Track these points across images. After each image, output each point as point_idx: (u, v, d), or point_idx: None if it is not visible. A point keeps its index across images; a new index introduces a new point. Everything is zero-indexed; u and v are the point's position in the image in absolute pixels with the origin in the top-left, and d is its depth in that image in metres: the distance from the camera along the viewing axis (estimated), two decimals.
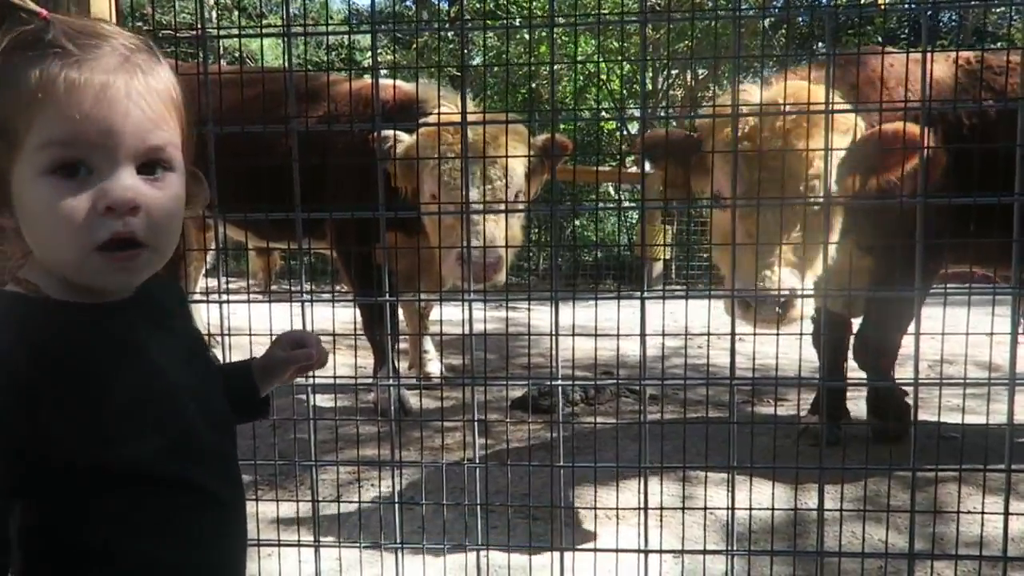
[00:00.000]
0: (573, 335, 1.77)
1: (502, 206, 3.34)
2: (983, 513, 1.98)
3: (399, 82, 4.14)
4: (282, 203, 1.95)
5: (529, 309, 2.48)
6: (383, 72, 9.37)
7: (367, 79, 4.02)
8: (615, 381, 3.96)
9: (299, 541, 1.85)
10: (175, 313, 1.09)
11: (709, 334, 2.48)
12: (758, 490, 2.01)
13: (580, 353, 4.06)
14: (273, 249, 4.93)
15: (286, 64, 1.87)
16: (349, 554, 2.16)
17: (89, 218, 0.88)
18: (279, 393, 1.34)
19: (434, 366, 4.70)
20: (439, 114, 3.00)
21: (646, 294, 1.60)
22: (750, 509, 1.67)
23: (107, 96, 0.88)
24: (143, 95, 0.90)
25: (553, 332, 1.65)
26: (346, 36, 2.61)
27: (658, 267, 9.03)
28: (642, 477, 1.68)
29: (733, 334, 1.61)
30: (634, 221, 9.50)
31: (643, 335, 1.64)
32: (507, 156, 3.19)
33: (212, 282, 4.92)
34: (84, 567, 0.92)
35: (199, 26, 1.89)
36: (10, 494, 0.88)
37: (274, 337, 1.25)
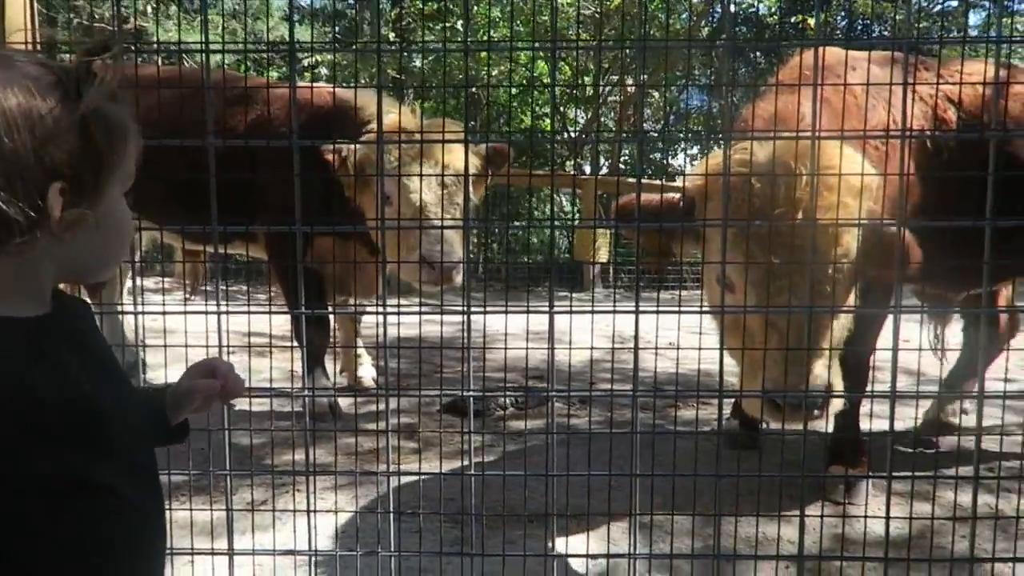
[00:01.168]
0: (484, 347, 1.83)
1: (453, 212, 3.41)
2: (866, 517, 2.12)
3: (337, 89, 4.16)
4: (218, 204, 1.95)
5: (467, 313, 2.52)
6: (324, 75, 9.32)
7: (300, 83, 4.02)
8: (524, 390, 4.03)
9: (212, 549, 1.87)
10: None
11: (638, 346, 2.49)
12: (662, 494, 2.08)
13: (515, 358, 4.12)
14: (201, 253, 4.89)
15: (204, 77, 1.88)
16: (264, 561, 2.18)
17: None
18: None
19: (365, 370, 4.72)
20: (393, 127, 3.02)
21: (553, 309, 1.67)
22: (651, 513, 1.75)
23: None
24: None
25: (465, 345, 1.70)
26: (286, 33, 2.61)
27: (595, 270, 9.20)
28: (548, 483, 1.75)
29: (636, 348, 1.68)
30: (571, 226, 9.62)
31: (551, 348, 1.71)
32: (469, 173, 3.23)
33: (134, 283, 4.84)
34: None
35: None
36: None
37: (188, 353, 1.30)
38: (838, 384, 2.19)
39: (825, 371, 2.12)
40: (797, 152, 2.08)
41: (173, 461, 1.79)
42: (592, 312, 1.85)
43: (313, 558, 1.83)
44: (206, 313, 1.80)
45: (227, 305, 1.81)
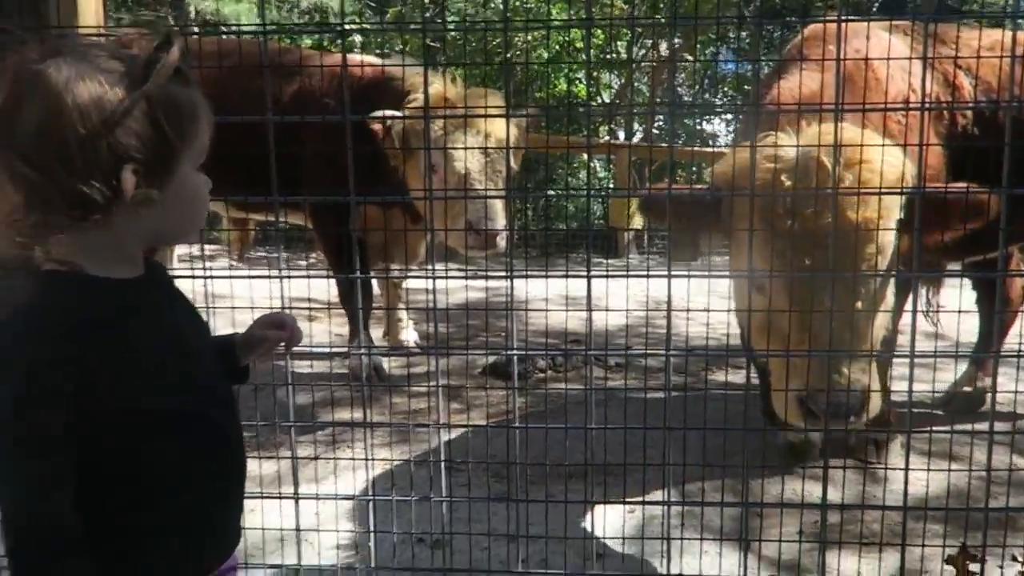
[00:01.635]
0: (526, 309, 1.95)
1: (496, 180, 3.52)
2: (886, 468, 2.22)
3: (370, 58, 4.27)
4: (260, 178, 2.08)
5: (511, 278, 2.65)
6: (357, 47, 9.41)
7: (337, 54, 4.12)
8: (563, 351, 4.16)
9: (280, 494, 2.04)
10: (173, 286, 1.33)
11: (669, 308, 2.54)
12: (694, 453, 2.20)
13: (554, 322, 4.26)
14: (249, 220, 5.07)
15: (263, 57, 2.00)
16: (326, 507, 2.35)
17: (207, 197, 1.27)
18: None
19: (407, 334, 4.88)
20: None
21: (591, 273, 1.79)
22: (684, 464, 1.88)
23: (208, 112, 1.24)
24: None
25: (508, 307, 1.83)
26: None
27: (629, 236, 9.24)
28: (587, 440, 1.88)
29: (669, 310, 1.79)
30: (606, 193, 9.65)
31: (589, 310, 1.82)
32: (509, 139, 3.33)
33: (184, 250, 5.06)
34: (133, 493, 1.17)
35: None
36: (70, 436, 1.09)
37: (253, 309, 1.47)
38: (875, 387, 2.12)
39: (863, 375, 2.05)
40: (823, 144, 2.02)
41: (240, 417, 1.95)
42: (627, 276, 1.96)
43: (371, 503, 1.99)
44: (268, 277, 1.95)
45: (288, 270, 1.95)
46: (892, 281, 2.25)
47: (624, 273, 2.03)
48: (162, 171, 1.16)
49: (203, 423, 1.24)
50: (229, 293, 2.43)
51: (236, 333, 1.45)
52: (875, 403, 2.09)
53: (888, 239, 2.14)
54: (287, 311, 1.61)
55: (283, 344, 1.45)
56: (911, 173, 2.16)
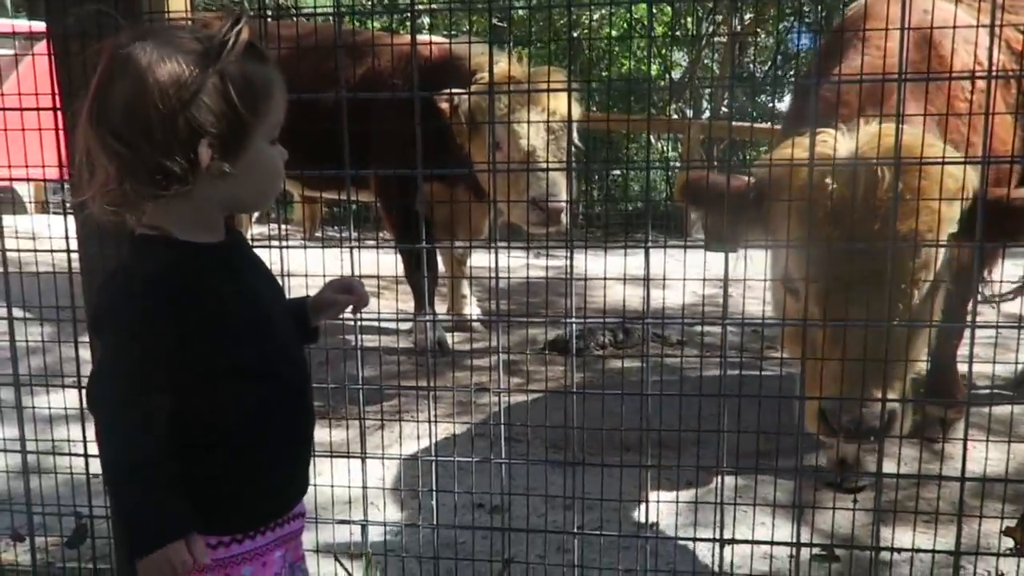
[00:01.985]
0: (585, 279, 2.00)
1: (559, 157, 3.57)
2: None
3: (437, 39, 4.34)
4: (330, 156, 2.17)
5: (570, 256, 2.70)
6: (425, 28, 9.52)
7: (406, 35, 4.21)
8: (620, 320, 4.18)
9: (348, 453, 2.15)
10: (251, 250, 1.44)
11: (728, 280, 2.47)
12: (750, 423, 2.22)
13: (614, 300, 4.29)
14: (315, 199, 5.23)
15: (336, 38, 2.08)
16: (391, 472, 2.47)
17: (282, 169, 1.35)
18: (329, 332, 1.62)
19: (471, 309, 4.98)
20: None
21: (648, 244, 1.83)
22: (738, 432, 1.91)
23: (284, 89, 1.32)
24: None
25: (568, 278, 1.89)
26: None
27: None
28: (643, 408, 1.93)
29: (726, 280, 1.82)
30: (674, 171, 9.56)
31: (647, 280, 1.87)
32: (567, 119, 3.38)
33: (260, 229, 5.26)
34: (214, 439, 1.30)
35: None
36: (165, 383, 1.24)
37: (326, 279, 1.57)
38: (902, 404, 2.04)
39: (890, 392, 1.97)
40: (885, 145, 1.92)
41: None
42: (684, 247, 1.99)
43: (434, 464, 2.08)
44: (340, 247, 2.05)
45: (359, 243, 2.05)
46: (939, 295, 2.14)
47: (681, 244, 2.07)
48: (236, 145, 1.25)
49: (277, 379, 1.35)
50: (302, 268, 2.55)
51: (308, 296, 1.55)
52: (902, 421, 2.03)
53: (935, 253, 2.06)
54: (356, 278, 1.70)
55: (351, 307, 1.55)
56: (973, 181, 2.05)
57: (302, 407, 1.42)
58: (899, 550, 1.95)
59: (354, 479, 2.20)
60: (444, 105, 3.69)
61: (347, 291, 1.54)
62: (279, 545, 1.39)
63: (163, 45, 1.22)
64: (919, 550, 1.96)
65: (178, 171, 1.22)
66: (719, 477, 1.94)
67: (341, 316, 1.59)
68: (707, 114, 12.28)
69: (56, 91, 2.15)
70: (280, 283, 1.48)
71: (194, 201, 1.27)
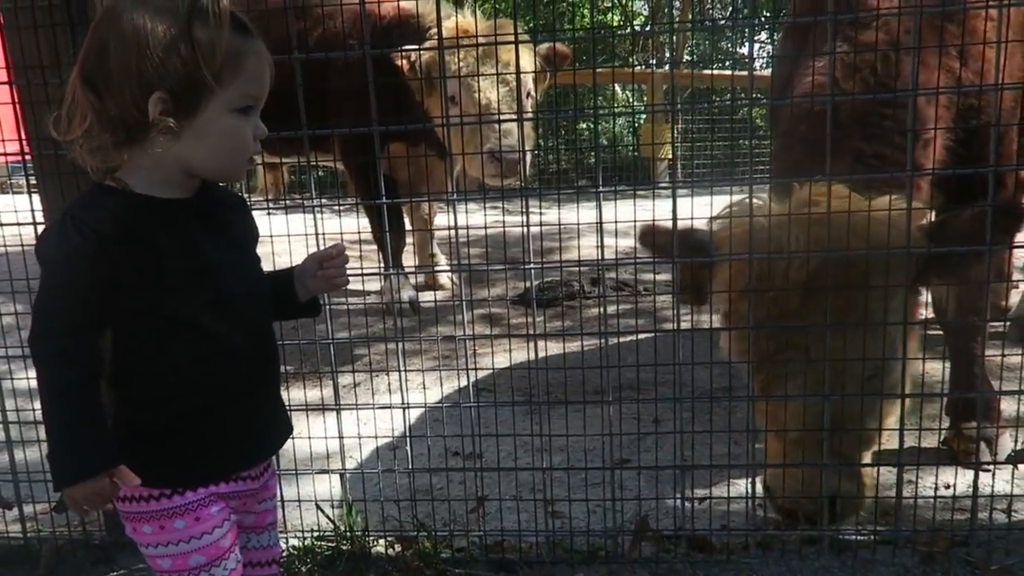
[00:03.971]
0: (540, 226, 2.07)
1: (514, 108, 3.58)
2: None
3: None
4: (289, 120, 2.20)
5: (525, 210, 2.75)
6: None
7: None
8: (576, 263, 4.26)
9: (323, 405, 2.24)
10: (230, 213, 1.45)
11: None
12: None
13: (585, 251, 4.36)
14: (281, 163, 5.23)
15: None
16: (367, 427, 2.55)
17: (249, 141, 1.35)
18: None
19: (441, 268, 5.05)
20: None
21: (600, 190, 1.90)
22: (692, 364, 2.01)
23: (266, 66, 1.35)
24: None
25: (525, 225, 1.96)
26: None
27: (662, 166, 9.22)
28: (602, 349, 2.01)
29: (675, 219, 1.90)
30: (639, 122, 9.60)
31: (599, 224, 1.95)
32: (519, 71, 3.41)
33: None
34: (146, 390, 1.36)
35: None
36: (99, 316, 1.30)
37: (290, 241, 1.61)
38: (856, 489, 1.99)
39: (844, 481, 1.93)
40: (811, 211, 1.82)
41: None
42: (634, 191, 2.07)
43: (406, 411, 2.17)
44: (303, 209, 2.10)
45: (321, 207, 2.10)
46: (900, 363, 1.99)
47: (631, 188, 2.14)
48: (188, 106, 1.27)
49: (210, 337, 1.35)
50: (267, 232, 2.60)
51: (294, 266, 1.56)
52: (853, 508, 2.01)
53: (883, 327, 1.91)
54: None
55: (332, 277, 1.53)
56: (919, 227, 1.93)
57: (237, 369, 1.40)
58: (846, 465, 2.07)
59: (331, 432, 2.28)
60: (401, 62, 3.71)
61: (328, 258, 1.53)
62: (217, 500, 1.39)
63: (140, 2, 1.26)
64: (864, 464, 2.08)
65: (130, 122, 1.26)
66: (677, 408, 2.05)
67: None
68: (668, 64, 12.27)
69: (7, 65, 2.16)
70: (246, 249, 1.47)
71: (152, 156, 1.30)
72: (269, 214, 2.30)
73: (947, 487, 2.47)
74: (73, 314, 1.28)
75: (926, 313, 2.30)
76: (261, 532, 1.56)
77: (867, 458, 2.08)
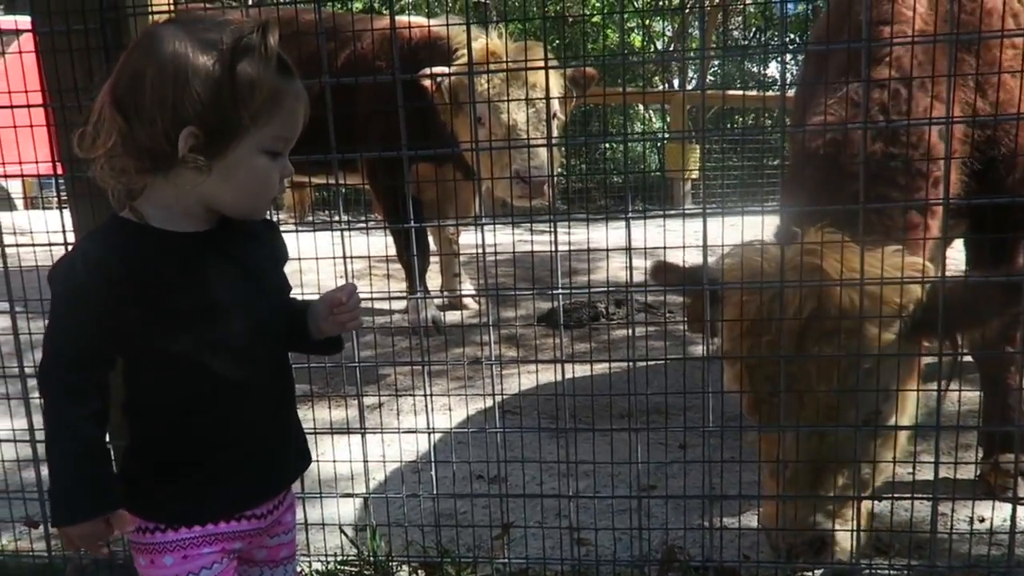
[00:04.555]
0: (570, 250, 2.06)
1: (542, 131, 3.59)
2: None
3: (417, 18, 4.38)
4: (315, 141, 2.20)
5: (555, 232, 2.73)
6: (409, 9, 9.49)
7: (387, 17, 4.23)
8: (605, 290, 4.24)
9: (348, 428, 2.23)
10: (250, 242, 1.39)
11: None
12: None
13: (609, 273, 4.33)
14: (305, 184, 5.27)
15: (318, 24, 2.11)
16: (392, 448, 2.54)
17: (276, 183, 1.33)
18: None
19: (462, 286, 5.05)
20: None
21: (629, 215, 1.89)
22: (723, 392, 1.98)
23: (302, 108, 1.33)
24: None
25: (553, 249, 1.95)
26: None
27: (686, 186, 9.18)
28: (630, 374, 1.99)
29: (705, 246, 1.87)
30: (662, 143, 9.59)
31: (629, 249, 1.93)
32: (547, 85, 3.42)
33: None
34: (144, 411, 1.35)
35: None
36: (105, 352, 1.29)
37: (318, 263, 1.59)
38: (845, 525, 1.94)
39: (826, 518, 1.90)
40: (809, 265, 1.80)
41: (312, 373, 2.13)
42: (664, 216, 2.05)
43: (431, 435, 2.15)
44: (331, 230, 2.10)
45: (349, 227, 2.10)
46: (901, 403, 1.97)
47: (661, 213, 2.12)
48: (219, 143, 1.24)
49: (212, 376, 1.31)
50: (294, 251, 2.61)
51: (309, 302, 1.49)
52: (842, 542, 1.95)
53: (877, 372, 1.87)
54: (349, 267, 1.73)
55: (344, 318, 1.45)
56: (916, 293, 1.89)
57: (240, 411, 1.36)
58: (880, 498, 2.03)
59: (355, 455, 2.27)
60: (428, 83, 3.73)
61: (335, 303, 1.45)
62: (212, 540, 1.35)
63: (184, 29, 1.23)
64: (899, 497, 2.03)
65: (157, 152, 1.23)
66: (706, 437, 2.02)
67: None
68: (693, 84, 12.27)
69: (43, 87, 2.19)
70: (269, 281, 1.43)
71: (177, 189, 1.27)
72: (297, 232, 2.31)
73: (981, 520, 2.41)
74: (78, 351, 1.27)
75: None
76: (276, 566, 1.51)
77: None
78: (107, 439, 1.32)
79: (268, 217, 1.44)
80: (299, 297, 1.53)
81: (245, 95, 1.23)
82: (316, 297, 1.49)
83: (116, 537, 1.37)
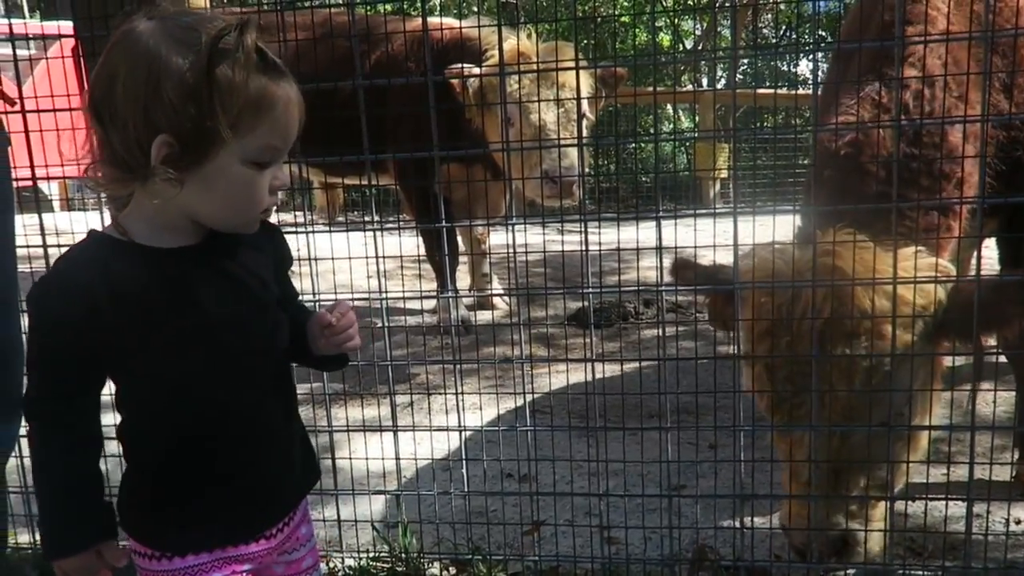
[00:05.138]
0: (600, 251, 2.07)
1: (572, 131, 3.60)
2: None
3: (448, 20, 4.40)
4: (346, 142, 2.23)
5: (585, 232, 2.75)
6: (437, 10, 9.53)
7: (418, 18, 4.26)
8: (635, 288, 4.23)
9: (380, 426, 2.25)
10: (246, 252, 1.28)
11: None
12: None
13: (634, 273, 4.33)
14: (337, 185, 5.33)
15: (351, 27, 2.14)
16: (423, 447, 2.57)
17: (264, 195, 1.20)
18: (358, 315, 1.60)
19: (491, 286, 5.07)
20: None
21: (661, 213, 1.89)
22: (753, 392, 1.98)
23: (295, 113, 1.19)
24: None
25: (584, 249, 1.96)
26: None
27: (715, 186, 9.13)
28: (661, 373, 2.00)
29: (736, 245, 1.87)
30: (691, 143, 9.54)
31: (659, 249, 1.93)
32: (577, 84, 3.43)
33: (284, 216, 5.36)
34: (137, 438, 1.28)
35: None
36: (89, 380, 1.22)
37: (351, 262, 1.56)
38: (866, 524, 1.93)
39: (846, 518, 1.89)
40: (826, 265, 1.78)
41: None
42: (695, 215, 2.05)
43: (463, 433, 2.17)
44: (364, 230, 2.13)
45: (381, 227, 2.13)
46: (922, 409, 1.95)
47: (692, 212, 2.12)
48: (195, 153, 1.13)
49: (200, 397, 1.24)
50: (326, 252, 2.64)
51: (310, 315, 1.41)
52: (863, 542, 1.94)
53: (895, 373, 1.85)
54: (382, 267, 1.74)
55: (339, 337, 1.36)
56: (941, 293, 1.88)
57: (238, 436, 1.28)
58: (914, 498, 2.02)
59: (387, 452, 2.30)
60: (455, 83, 3.76)
61: (324, 323, 1.35)
62: (222, 565, 1.29)
63: (161, 27, 1.12)
64: (933, 498, 2.02)
65: (131, 161, 1.13)
66: (736, 436, 2.01)
67: (366, 300, 1.51)
68: (722, 83, 12.18)
69: (81, 90, 2.25)
70: (265, 291, 1.31)
71: (156, 199, 1.17)
72: (331, 232, 2.35)
73: (1018, 523, 2.38)
74: (59, 380, 1.20)
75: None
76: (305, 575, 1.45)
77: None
78: (98, 464, 1.27)
79: (269, 220, 1.32)
80: (332, 297, 1.48)
81: (224, 101, 1.11)
82: (338, 300, 1.40)
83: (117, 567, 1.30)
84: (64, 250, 1.22)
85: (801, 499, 1.91)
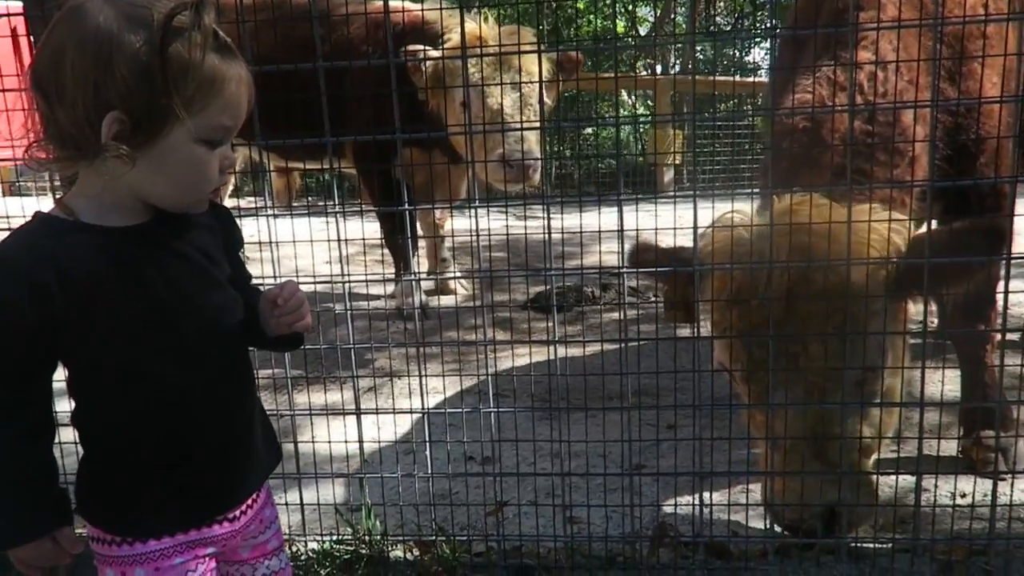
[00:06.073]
0: (563, 233, 2.09)
1: (529, 115, 3.60)
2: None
3: (407, 3, 4.37)
4: (304, 127, 2.20)
5: (547, 216, 2.77)
6: None
7: (378, 2, 4.22)
8: (597, 271, 4.27)
9: (343, 410, 2.25)
10: (198, 233, 1.28)
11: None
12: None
13: (595, 257, 4.37)
14: (293, 169, 5.26)
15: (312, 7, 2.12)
16: (386, 430, 2.57)
17: (215, 174, 1.21)
18: (320, 300, 1.63)
19: (451, 269, 5.07)
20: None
21: (621, 198, 1.92)
22: (712, 371, 2.02)
23: (245, 93, 1.20)
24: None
25: (546, 231, 1.97)
26: None
27: (670, 173, 9.23)
28: (622, 355, 2.03)
29: (695, 228, 1.91)
30: (645, 128, 9.62)
31: (621, 232, 1.96)
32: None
33: (237, 202, 5.29)
34: (91, 423, 1.27)
35: None
36: (37, 366, 1.20)
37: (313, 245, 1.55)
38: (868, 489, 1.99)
39: (829, 488, 1.92)
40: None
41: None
42: (655, 198, 2.09)
43: (426, 416, 2.18)
44: (325, 214, 2.12)
45: (343, 212, 2.12)
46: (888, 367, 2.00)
47: (652, 196, 2.15)
48: (147, 130, 1.12)
49: (156, 381, 1.23)
50: (281, 236, 2.61)
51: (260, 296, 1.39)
52: (861, 517, 2.00)
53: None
54: (344, 251, 1.73)
55: (288, 317, 1.35)
56: (898, 244, 1.94)
57: (195, 418, 1.27)
58: (866, 473, 2.08)
59: (350, 436, 2.30)
60: (410, 65, 3.73)
61: (274, 299, 1.34)
62: (184, 550, 1.28)
63: (110, 6, 1.11)
64: (884, 472, 2.09)
65: (80, 140, 1.12)
66: (696, 416, 2.06)
67: (328, 284, 1.53)
68: (676, 69, 12.30)
69: (20, 72, 2.18)
70: (220, 272, 1.31)
71: (104, 178, 1.15)
72: (292, 216, 2.33)
73: (963, 496, 2.48)
74: (6, 367, 1.16)
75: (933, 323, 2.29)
76: (269, 557, 1.45)
77: (868, 466, 2.07)
78: (51, 451, 1.25)
79: (218, 201, 1.31)
80: (290, 280, 1.41)
81: (177, 79, 1.10)
82: (287, 280, 1.39)
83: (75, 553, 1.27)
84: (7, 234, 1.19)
85: (776, 474, 1.95)
